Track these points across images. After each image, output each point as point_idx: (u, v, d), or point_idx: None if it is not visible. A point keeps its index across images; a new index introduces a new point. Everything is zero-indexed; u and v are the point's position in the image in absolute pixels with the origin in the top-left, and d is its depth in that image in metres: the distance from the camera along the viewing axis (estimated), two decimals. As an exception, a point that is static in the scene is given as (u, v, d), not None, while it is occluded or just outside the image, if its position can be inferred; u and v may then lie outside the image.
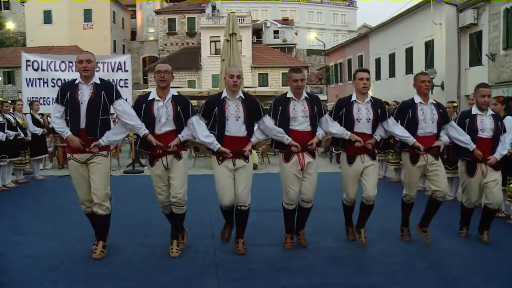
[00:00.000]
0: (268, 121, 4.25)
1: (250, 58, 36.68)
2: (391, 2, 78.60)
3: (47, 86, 9.45)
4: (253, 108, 4.22)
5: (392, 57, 23.75)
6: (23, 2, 41.82)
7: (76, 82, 4.08)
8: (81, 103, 3.99)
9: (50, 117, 10.41)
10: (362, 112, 4.32)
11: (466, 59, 18.60)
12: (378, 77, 25.48)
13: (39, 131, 8.84)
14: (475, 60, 17.99)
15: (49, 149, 10.32)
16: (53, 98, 9.53)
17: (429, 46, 19.94)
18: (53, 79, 9.46)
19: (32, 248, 4.49)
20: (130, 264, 4.03)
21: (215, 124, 4.15)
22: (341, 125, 4.36)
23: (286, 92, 4.37)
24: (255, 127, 4.34)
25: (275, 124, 4.25)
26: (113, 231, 4.42)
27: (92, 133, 4.00)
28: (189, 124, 4.17)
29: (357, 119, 4.31)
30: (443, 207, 4.58)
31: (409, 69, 22.07)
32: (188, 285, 3.61)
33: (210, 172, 9.50)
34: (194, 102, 34.25)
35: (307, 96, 4.32)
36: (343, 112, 4.37)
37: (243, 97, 4.20)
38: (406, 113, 4.45)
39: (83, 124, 3.99)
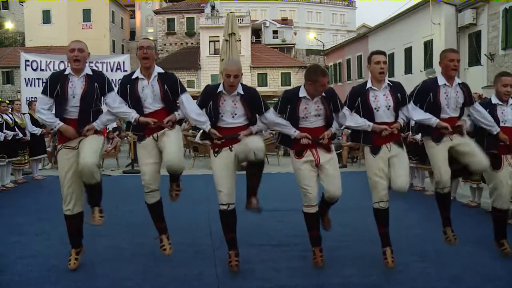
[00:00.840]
0: (270, 115, 3.85)
1: (249, 58, 36.70)
2: (390, 2, 78.68)
3: (46, 86, 9.45)
4: (253, 104, 3.83)
5: (391, 57, 23.73)
6: (22, 2, 41.80)
7: (66, 73, 3.83)
8: (73, 97, 3.77)
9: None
10: (380, 99, 3.81)
11: (465, 59, 18.61)
12: (377, 77, 25.45)
13: (38, 131, 8.83)
14: (474, 60, 18.02)
15: (48, 149, 10.30)
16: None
17: (428, 46, 19.96)
18: (52, 79, 9.46)
19: (31, 248, 4.48)
20: (130, 264, 4.03)
21: (210, 117, 3.82)
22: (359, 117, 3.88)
23: (299, 89, 3.85)
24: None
25: None
26: (113, 231, 4.42)
27: (84, 125, 3.80)
28: (180, 103, 3.86)
29: (375, 108, 3.81)
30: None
31: (408, 69, 22.10)
32: (188, 285, 3.60)
33: (209, 172, 9.46)
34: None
35: (323, 94, 3.82)
36: (359, 101, 3.86)
37: (242, 92, 3.79)
38: (427, 96, 3.93)
39: (74, 115, 3.80)
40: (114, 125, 13.03)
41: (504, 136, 4.09)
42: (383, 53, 3.96)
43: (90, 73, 3.88)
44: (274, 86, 35.77)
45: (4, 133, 7.71)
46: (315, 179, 3.84)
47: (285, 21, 44.75)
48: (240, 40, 17.62)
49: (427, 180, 7.73)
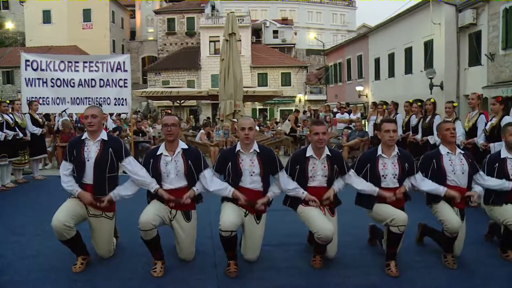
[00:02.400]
0: (283, 178, 4.03)
1: (249, 58, 36.69)
2: (390, 2, 78.62)
3: (47, 86, 9.46)
4: (269, 162, 3.99)
5: (391, 57, 23.75)
6: (22, 2, 41.80)
7: (83, 138, 3.99)
8: (88, 160, 3.89)
9: (56, 118, 10.45)
10: (388, 168, 4.02)
11: (465, 59, 18.61)
12: (377, 77, 25.49)
13: (38, 131, 8.83)
14: (474, 60, 18.00)
15: (48, 149, 10.31)
16: (52, 98, 9.55)
17: (428, 46, 19.94)
18: (52, 79, 9.47)
19: (32, 248, 4.49)
20: (130, 264, 4.03)
21: (229, 179, 3.98)
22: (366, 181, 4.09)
23: (306, 149, 4.11)
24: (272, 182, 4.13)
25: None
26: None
27: (100, 191, 3.91)
28: (202, 178, 3.99)
29: (383, 176, 4.01)
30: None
31: (408, 69, 22.08)
32: (188, 285, 3.61)
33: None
34: (193, 102, 34.31)
35: (329, 153, 4.04)
36: (368, 168, 4.06)
37: (258, 150, 3.98)
38: (430, 164, 4.16)
39: (90, 180, 3.90)
40: (114, 125, 13.06)
41: None
42: (393, 121, 4.24)
43: (106, 138, 3.98)
44: (274, 86, 35.74)
45: (4, 132, 7.71)
46: (324, 215, 3.95)
47: (285, 21, 44.73)
48: (240, 40, 17.65)
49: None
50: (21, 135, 8.18)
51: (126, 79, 9.86)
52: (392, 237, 3.85)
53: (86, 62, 9.71)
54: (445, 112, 7.25)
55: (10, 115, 8.14)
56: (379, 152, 4.08)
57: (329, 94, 34.16)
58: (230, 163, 3.96)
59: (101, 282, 3.65)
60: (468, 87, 18.05)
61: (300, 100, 36.89)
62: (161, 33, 42.48)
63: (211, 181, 3.96)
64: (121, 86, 9.80)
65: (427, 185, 4.12)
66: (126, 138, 12.83)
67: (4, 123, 7.81)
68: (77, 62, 9.67)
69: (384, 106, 9.62)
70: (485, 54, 17.06)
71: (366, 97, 26.39)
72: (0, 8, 45.56)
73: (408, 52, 21.99)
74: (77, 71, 9.60)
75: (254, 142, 4.01)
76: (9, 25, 39.25)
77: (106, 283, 3.64)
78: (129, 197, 4.09)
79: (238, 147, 3.99)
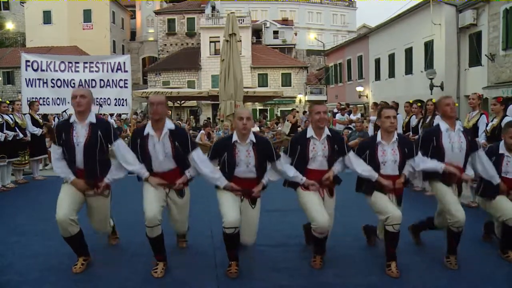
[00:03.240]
0: (281, 165, 3.97)
1: (250, 59, 36.70)
2: (390, 3, 78.45)
3: (47, 86, 9.48)
4: (265, 152, 3.95)
5: (391, 57, 23.77)
6: (22, 3, 41.83)
7: (71, 121, 3.88)
8: (77, 145, 3.79)
9: (54, 119, 10.45)
10: (388, 154, 3.99)
11: (466, 59, 18.61)
12: (377, 77, 25.50)
13: (38, 131, 8.83)
14: (475, 60, 18.01)
15: (48, 149, 10.31)
16: (52, 99, 9.56)
17: (428, 47, 19.95)
18: (53, 79, 9.49)
19: (32, 248, 4.49)
20: (130, 264, 4.03)
21: (224, 168, 3.94)
22: None
23: (306, 130, 4.08)
24: (268, 168, 4.09)
25: (292, 163, 4.02)
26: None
27: (91, 175, 3.85)
28: (191, 160, 3.93)
29: (382, 162, 3.98)
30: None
31: (408, 69, 22.09)
32: (188, 285, 3.61)
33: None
34: (193, 103, 34.26)
35: (329, 134, 4.03)
36: (367, 154, 4.04)
37: (254, 140, 3.93)
38: (430, 141, 4.11)
39: (81, 164, 3.83)
40: (115, 125, 13.05)
41: (504, 187, 4.21)
42: (393, 108, 4.20)
43: (94, 121, 3.90)
44: (274, 86, 35.77)
45: (4, 133, 7.71)
46: (322, 204, 3.94)
47: (285, 22, 44.75)
48: (240, 41, 17.63)
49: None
50: (21, 135, 8.18)
51: (127, 80, 9.88)
52: (390, 236, 3.84)
53: (86, 62, 9.72)
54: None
55: (11, 115, 8.14)
56: (379, 138, 4.05)
57: (330, 95, 34.16)
58: (226, 153, 3.91)
59: (101, 282, 3.65)
60: (469, 88, 18.06)
61: (300, 101, 36.90)
62: (162, 34, 42.50)
63: (201, 164, 3.91)
64: (121, 87, 9.82)
65: (427, 164, 4.08)
66: (126, 139, 12.85)
67: (4, 123, 7.81)
68: (78, 62, 9.69)
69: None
70: (486, 55, 17.07)
71: (367, 97, 26.40)
72: (1, 8, 45.60)
73: (409, 52, 22.00)
74: (78, 71, 9.62)
75: (251, 132, 3.96)
76: (9, 25, 39.28)
77: (106, 283, 3.64)
78: (123, 178, 4.06)
79: (235, 138, 3.93)
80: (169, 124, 3.93)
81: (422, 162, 4.09)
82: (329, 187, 4.06)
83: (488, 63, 17.06)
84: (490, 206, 4.29)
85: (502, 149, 4.35)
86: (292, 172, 3.99)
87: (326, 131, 4.02)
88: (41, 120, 9.26)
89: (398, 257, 3.88)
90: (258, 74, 37.65)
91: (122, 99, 9.88)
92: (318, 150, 3.98)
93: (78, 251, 3.91)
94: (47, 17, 41.30)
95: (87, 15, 41.38)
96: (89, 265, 3.94)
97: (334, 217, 4.15)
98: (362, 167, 4.01)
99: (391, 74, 23.95)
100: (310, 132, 4.01)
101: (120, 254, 4.25)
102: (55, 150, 3.92)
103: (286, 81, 37.91)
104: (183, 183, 3.92)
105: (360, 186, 4.15)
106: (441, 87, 18.89)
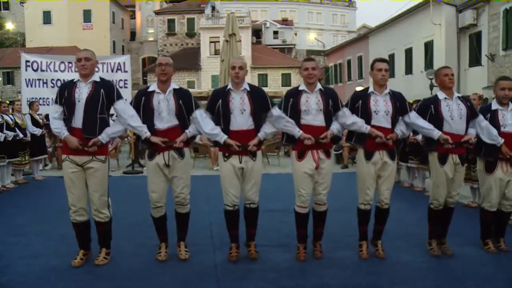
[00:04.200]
0: (276, 111, 4.00)
1: (250, 59, 36.68)
2: (390, 3, 78.64)
3: (47, 86, 9.46)
4: (260, 100, 3.99)
5: (391, 57, 23.76)
6: (22, 3, 41.85)
7: (75, 80, 3.93)
8: (79, 101, 3.79)
9: (47, 119, 10.44)
10: (380, 104, 4.02)
11: (466, 59, 18.62)
12: (377, 77, 25.47)
13: (38, 131, 8.83)
14: (475, 60, 18.02)
15: (48, 149, 10.31)
16: (52, 99, 9.53)
17: (428, 47, 19.96)
18: (53, 79, 9.47)
19: (32, 248, 4.48)
20: (130, 264, 4.03)
21: (219, 117, 3.97)
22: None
23: (299, 85, 4.11)
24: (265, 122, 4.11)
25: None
26: (113, 231, 4.40)
27: (90, 132, 3.81)
28: (193, 118, 3.98)
29: (374, 111, 4.01)
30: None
31: (408, 69, 22.11)
32: (188, 286, 3.60)
33: (209, 173, 9.49)
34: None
35: (321, 88, 4.04)
36: (359, 104, 4.07)
37: (248, 89, 3.99)
38: (428, 108, 4.13)
39: (80, 123, 3.81)
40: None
41: (506, 149, 4.19)
42: (385, 60, 4.23)
43: (98, 80, 3.93)
44: (274, 86, 35.77)
45: (4, 133, 7.71)
46: (311, 184, 4.02)
47: (285, 22, 44.77)
48: (240, 41, 17.57)
49: (427, 180, 7.71)
50: (21, 135, 8.18)
51: (127, 80, 9.87)
52: (378, 213, 4.12)
53: (86, 62, 9.70)
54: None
55: (10, 115, 8.14)
56: (371, 89, 4.11)
57: (329, 95, 34.09)
58: (220, 100, 3.96)
59: (101, 282, 3.64)
60: (469, 88, 18.05)
61: (300, 101, 36.84)
62: (161, 34, 42.51)
63: (203, 121, 3.96)
64: (121, 87, 9.78)
65: (422, 122, 4.11)
66: (126, 139, 12.84)
67: (4, 123, 7.81)
68: (78, 62, 9.67)
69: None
70: (486, 55, 17.08)
71: (367, 97, 26.37)
72: (1, 8, 45.62)
73: (409, 52, 22.01)
74: (78, 71, 9.61)
75: (245, 81, 4.02)
76: (9, 25, 39.30)
77: (106, 283, 3.63)
78: (117, 134, 4.08)
79: (229, 86, 4.01)
80: (173, 84, 4.04)
81: (418, 119, 4.12)
82: (326, 147, 4.03)
83: (488, 63, 17.06)
84: (485, 181, 4.33)
85: (494, 106, 4.35)
86: (288, 120, 3.97)
87: (318, 85, 4.04)
88: (41, 120, 9.27)
89: (398, 257, 3.88)
90: (258, 74, 37.67)
91: (122, 99, 9.87)
92: (311, 103, 3.97)
93: (81, 243, 3.98)
94: (47, 17, 41.31)
95: (87, 15, 41.38)
96: (88, 265, 3.93)
97: (334, 217, 4.15)
98: (353, 119, 4.06)
99: (391, 74, 23.87)
100: (302, 87, 4.05)
101: (120, 254, 4.24)
102: (55, 109, 3.94)
103: (286, 81, 37.92)
104: (182, 141, 3.93)
105: (351, 137, 4.20)
106: (441, 87, 18.87)
